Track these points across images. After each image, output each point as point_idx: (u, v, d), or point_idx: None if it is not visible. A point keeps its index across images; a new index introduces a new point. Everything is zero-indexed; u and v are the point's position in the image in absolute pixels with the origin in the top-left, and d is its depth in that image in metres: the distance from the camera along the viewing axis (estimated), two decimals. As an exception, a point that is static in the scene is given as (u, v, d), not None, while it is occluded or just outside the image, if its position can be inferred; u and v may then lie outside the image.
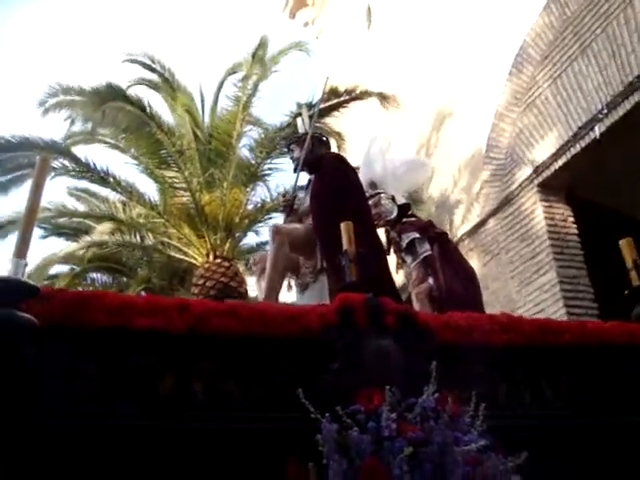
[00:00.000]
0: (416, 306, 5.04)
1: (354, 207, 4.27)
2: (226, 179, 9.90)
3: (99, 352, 2.18)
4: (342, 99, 10.26)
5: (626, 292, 3.48)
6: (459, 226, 9.39)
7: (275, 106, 10.79)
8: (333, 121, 10.61)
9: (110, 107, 8.70)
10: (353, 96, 10.27)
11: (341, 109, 10.44)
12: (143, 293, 12.01)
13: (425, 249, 5.29)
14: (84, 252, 10.97)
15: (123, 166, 10.49)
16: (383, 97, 10.23)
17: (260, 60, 9.87)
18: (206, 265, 9.61)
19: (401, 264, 5.68)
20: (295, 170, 5.00)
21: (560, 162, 7.61)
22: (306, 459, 2.06)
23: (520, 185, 8.15)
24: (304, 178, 5.12)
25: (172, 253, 10.80)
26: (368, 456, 2.00)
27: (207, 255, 9.86)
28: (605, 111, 7.03)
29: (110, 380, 2.18)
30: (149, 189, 13.04)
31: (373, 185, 5.69)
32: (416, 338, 2.52)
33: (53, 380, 2.08)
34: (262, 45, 10.11)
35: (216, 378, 2.31)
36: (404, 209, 5.65)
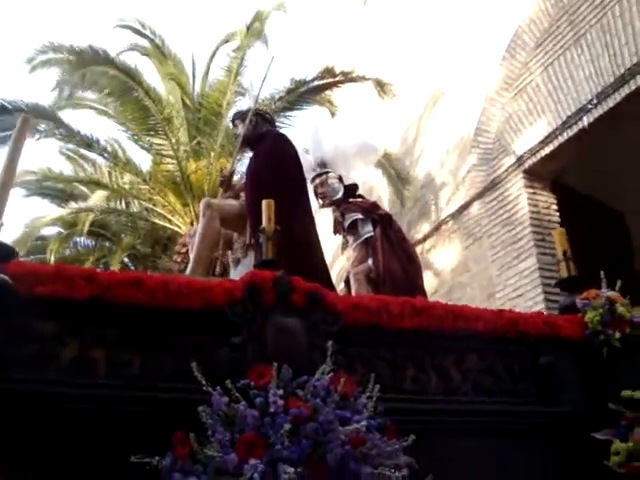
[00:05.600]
0: (354, 287, 5.03)
1: (288, 186, 4.25)
2: (213, 148, 9.98)
3: (3, 317, 2.18)
4: (337, 79, 10.28)
5: (554, 284, 3.52)
6: (444, 208, 9.38)
7: (269, 79, 10.74)
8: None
9: (93, 71, 8.67)
10: (349, 78, 10.27)
11: (335, 88, 10.47)
12: (127, 260, 12.08)
13: (367, 230, 5.25)
14: (73, 216, 11.00)
15: (112, 132, 10.51)
16: (379, 84, 10.21)
17: (255, 33, 9.88)
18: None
19: (345, 245, 5.61)
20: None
21: (547, 150, 7.58)
22: (195, 430, 2.07)
23: (506, 170, 8.14)
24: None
25: (156, 220, 10.92)
26: (250, 430, 2.03)
27: (191, 224, 9.85)
28: (595, 101, 6.98)
29: (12, 345, 2.19)
30: (136, 156, 12.99)
31: (322, 164, 5.64)
32: (321, 318, 2.53)
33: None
34: (258, 18, 10.09)
35: (118, 347, 2.34)
36: (351, 189, 5.61)
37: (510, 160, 8.10)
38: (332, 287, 3.95)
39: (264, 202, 2.95)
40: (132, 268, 12.38)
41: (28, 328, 2.22)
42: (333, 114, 10.43)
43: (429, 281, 8.71)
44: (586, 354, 3.21)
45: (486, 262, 8.31)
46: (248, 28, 9.95)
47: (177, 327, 2.44)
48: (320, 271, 4.08)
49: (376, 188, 9.80)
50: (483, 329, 2.98)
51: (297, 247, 3.72)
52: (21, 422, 2.12)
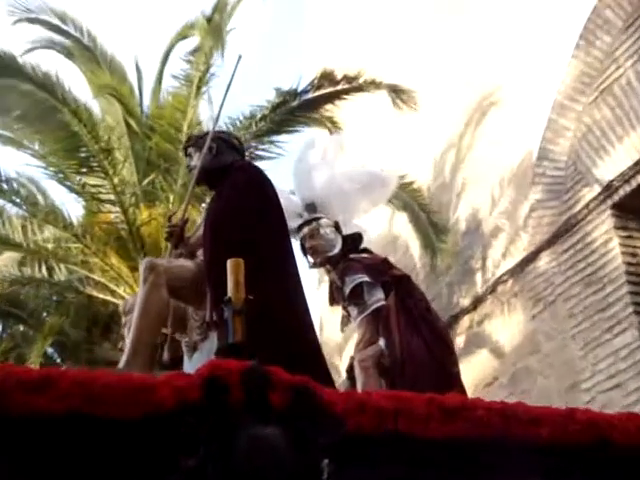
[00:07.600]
0: (359, 379, 4.95)
1: (263, 237, 4.23)
2: (172, 189, 9.85)
3: None
4: (339, 88, 10.24)
5: None
6: (498, 263, 9.37)
7: (245, 96, 10.81)
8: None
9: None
10: (354, 85, 10.23)
11: (337, 101, 10.45)
12: (51, 350, 11.84)
13: (377, 298, 5.12)
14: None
15: (26, 169, 10.43)
16: (395, 91, 10.15)
17: (218, 27, 9.88)
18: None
19: (347, 318, 5.47)
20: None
21: (645, 176, 7.68)
22: None
23: (587, 206, 8.03)
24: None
25: (94, 292, 10.72)
26: None
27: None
28: None
29: None
30: (63, 201, 12.95)
31: (311, 207, 5.54)
32: (313, 425, 2.34)
33: None
34: (220, 7, 10.20)
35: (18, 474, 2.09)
36: (353, 241, 5.47)
37: (592, 192, 8.00)
38: (329, 379, 3.93)
39: (229, 262, 2.84)
40: (59, 361, 12.20)
41: None
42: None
43: (482, 367, 8.93)
44: None
45: (563, 338, 8.18)
46: (209, 20, 9.93)
47: (103, 446, 2.21)
48: (310, 357, 4.03)
49: (402, 238, 9.59)
50: (547, 438, 2.72)
51: (276, 324, 3.71)
52: None
